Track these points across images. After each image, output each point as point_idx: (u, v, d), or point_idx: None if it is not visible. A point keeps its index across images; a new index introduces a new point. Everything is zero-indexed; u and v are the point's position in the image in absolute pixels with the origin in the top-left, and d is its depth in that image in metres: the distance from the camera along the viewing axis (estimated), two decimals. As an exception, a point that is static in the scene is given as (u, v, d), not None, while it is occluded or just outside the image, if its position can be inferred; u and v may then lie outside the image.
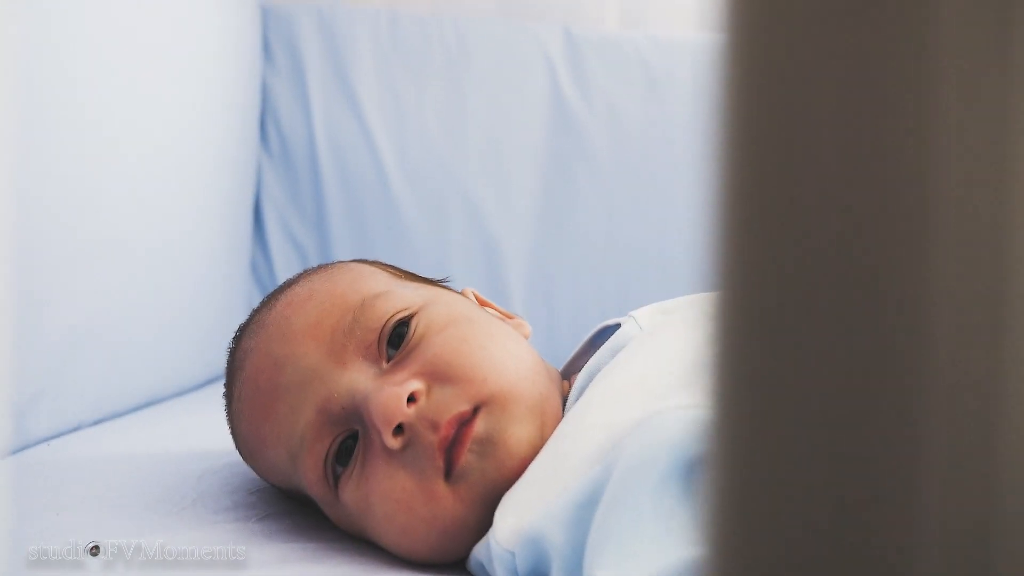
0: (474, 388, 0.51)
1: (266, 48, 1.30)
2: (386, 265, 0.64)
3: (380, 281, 0.58)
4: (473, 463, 0.50)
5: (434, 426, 0.50)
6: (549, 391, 0.55)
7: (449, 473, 0.50)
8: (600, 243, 1.31)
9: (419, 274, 0.66)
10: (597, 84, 1.34)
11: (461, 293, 0.64)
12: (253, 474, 0.62)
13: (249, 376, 0.56)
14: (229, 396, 0.59)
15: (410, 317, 0.54)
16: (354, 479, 0.52)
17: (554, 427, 0.53)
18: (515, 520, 0.47)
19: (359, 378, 0.52)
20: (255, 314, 0.60)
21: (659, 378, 0.49)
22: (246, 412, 0.56)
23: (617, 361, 0.53)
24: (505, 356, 0.53)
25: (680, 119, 1.34)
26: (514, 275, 1.30)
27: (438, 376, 0.51)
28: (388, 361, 0.53)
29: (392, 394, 0.49)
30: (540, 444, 0.51)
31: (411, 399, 0.50)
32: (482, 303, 0.65)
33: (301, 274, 0.62)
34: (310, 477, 0.53)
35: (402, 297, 0.55)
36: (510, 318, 0.64)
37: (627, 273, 1.31)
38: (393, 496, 0.51)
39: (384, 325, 0.53)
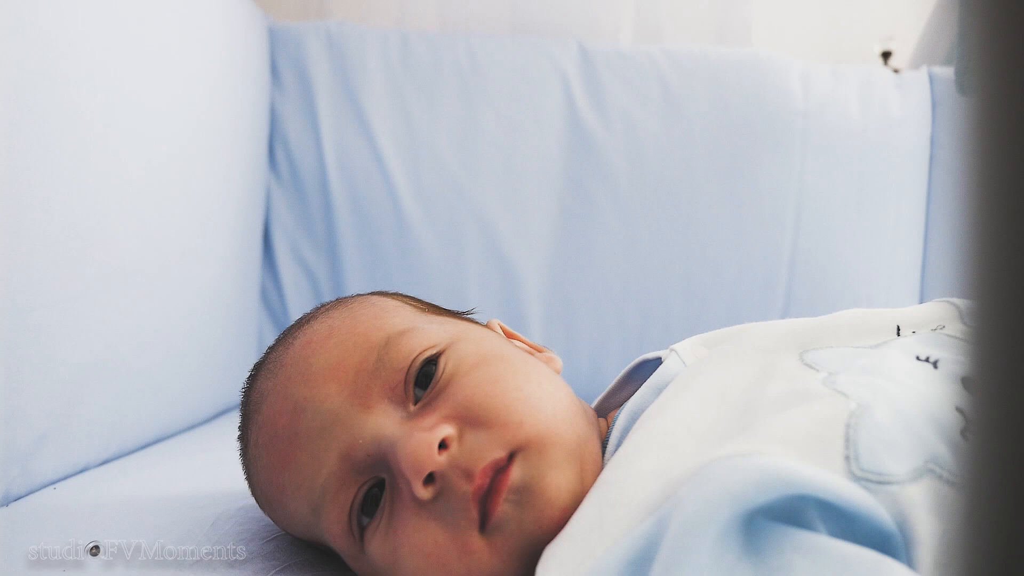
0: (509, 432, 0.47)
1: (274, 70, 1.26)
2: (407, 297, 0.61)
3: (404, 316, 0.55)
4: (510, 513, 0.46)
5: (468, 475, 0.46)
6: (588, 433, 0.51)
7: (484, 525, 0.46)
8: (619, 263, 1.27)
9: (441, 305, 0.63)
10: (613, 100, 1.30)
11: (487, 325, 0.61)
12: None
13: (266, 420, 0.52)
14: (244, 441, 0.56)
15: (438, 355, 0.51)
16: (381, 531, 0.48)
17: (593, 471, 0.49)
18: (559, 577, 0.43)
19: (385, 422, 0.48)
20: (271, 352, 0.57)
21: (711, 421, 0.46)
22: (263, 459, 0.52)
23: (663, 401, 0.50)
24: (541, 396, 0.50)
25: (699, 135, 1.30)
26: (532, 297, 1.26)
27: (470, 420, 0.48)
28: (416, 403, 0.50)
29: (422, 441, 0.46)
30: (580, 491, 0.47)
31: (442, 445, 0.46)
32: (509, 335, 0.61)
33: (319, 309, 0.58)
34: (333, 530, 0.50)
35: (428, 334, 0.52)
36: (539, 351, 0.61)
37: (647, 294, 1.27)
38: (424, 550, 0.47)
39: (411, 365, 0.50)
